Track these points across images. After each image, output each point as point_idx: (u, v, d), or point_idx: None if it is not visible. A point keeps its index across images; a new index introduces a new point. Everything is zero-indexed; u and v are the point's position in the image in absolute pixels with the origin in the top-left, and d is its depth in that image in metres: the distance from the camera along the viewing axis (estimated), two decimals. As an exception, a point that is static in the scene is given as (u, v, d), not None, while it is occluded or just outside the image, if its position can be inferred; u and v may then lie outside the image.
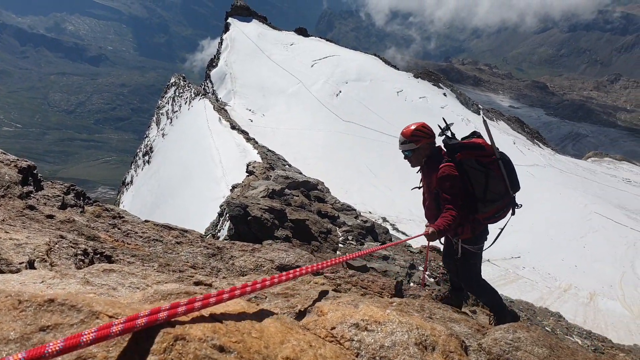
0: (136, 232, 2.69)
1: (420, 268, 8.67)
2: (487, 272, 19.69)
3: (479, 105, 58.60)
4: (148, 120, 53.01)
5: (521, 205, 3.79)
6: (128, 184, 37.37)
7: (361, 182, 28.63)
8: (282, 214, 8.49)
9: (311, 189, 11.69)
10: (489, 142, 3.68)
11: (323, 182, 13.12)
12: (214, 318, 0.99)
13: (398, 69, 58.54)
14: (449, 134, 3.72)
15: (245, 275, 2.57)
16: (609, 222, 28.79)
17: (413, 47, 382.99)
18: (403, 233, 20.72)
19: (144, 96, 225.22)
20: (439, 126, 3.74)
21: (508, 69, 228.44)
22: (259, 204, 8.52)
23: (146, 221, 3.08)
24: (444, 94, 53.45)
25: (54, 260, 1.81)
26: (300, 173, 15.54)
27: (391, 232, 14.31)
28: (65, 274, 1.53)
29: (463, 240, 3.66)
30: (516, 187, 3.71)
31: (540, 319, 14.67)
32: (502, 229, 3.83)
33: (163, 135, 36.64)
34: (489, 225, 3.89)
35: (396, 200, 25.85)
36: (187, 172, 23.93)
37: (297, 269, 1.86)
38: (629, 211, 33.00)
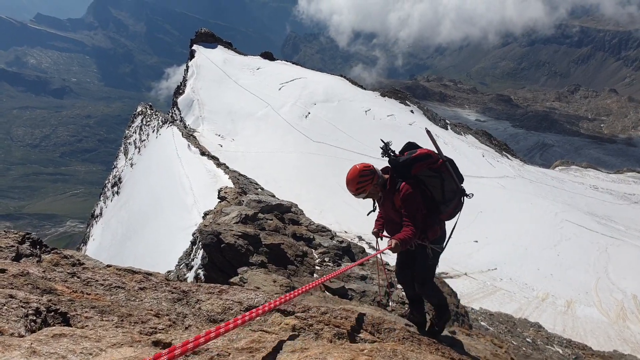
0: (97, 280, 2.51)
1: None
2: (465, 286, 19.77)
3: (447, 121, 59.94)
4: (115, 151, 51.99)
5: (472, 194, 4.01)
6: (97, 216, 36.27)
7: (335, 201, 28.60)
8: (256, 239, 8.31)
9: (285, 212, 11.53)
10: (432, 149, 3.93)
11: (297, 204, 12.97)
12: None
13: (365, 89, 59.48)
14: (391, 152, 3.93)
15: (213, 319, 2.42)
16: (580, 229, 29.53)
17: (378, 67, 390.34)
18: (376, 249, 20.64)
19: (111, 126, 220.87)
20: (381, 148, 3.90)
21: (472, 84, 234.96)
22: (232, 230, 8.33)
23: (108, 266, 2.90)
24: (411, 111, 54.49)
25: (0, 325, 1.64)
26: (273, 196, 15.36)
27: (368, 250, 14.21)
28: (9, 345, 1.36)
29: (432, 242, 3.85)
30: (461, 179, 3.98)
31: (520, 330, 14.74)
32: (454, 226, 4.02)
33: (131, 165, 35.89)
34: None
35: (371, 217, 25.85)
36: (158, 201, 23.40)
37: (254, 310, 1.75)
38: (598, 217, 34.00)
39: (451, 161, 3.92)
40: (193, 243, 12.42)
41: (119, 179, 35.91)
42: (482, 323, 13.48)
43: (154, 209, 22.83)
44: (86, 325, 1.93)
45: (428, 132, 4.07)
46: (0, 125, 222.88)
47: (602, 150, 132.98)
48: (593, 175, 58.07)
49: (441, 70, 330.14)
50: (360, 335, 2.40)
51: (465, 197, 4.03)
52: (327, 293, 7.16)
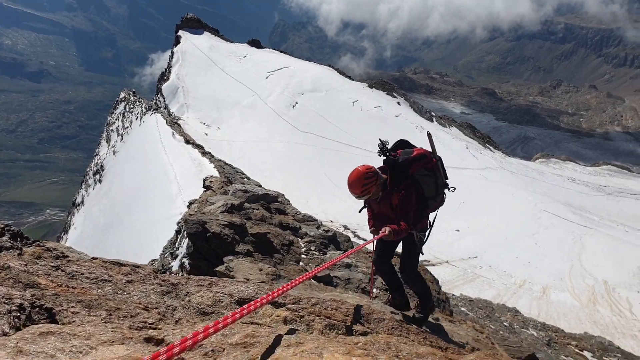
0: (82, 274, 2.44)
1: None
2: (447, 273, 20.19)
3: (432, 113, 60.33)
4: (97, 138, 51.11)
5: (455, 188, 4.20)
6: (79, 204, 35.75)
7: (321, 191, 28.72)
8: (242, 228, 8.30)
9: (271, 202, 11.53)
10: (424, 147, 4.16)
11: (283, 194, 13.01)
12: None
13: (352, 80, 59.42)
14: (387, 151, 4.03)
15: (203, 312, 2.41)
16: (557, 219, 30.26)
17: (366, 57, 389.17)
18: (364, 240, 20.89)
19: (92, 113, 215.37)
20: (378, 146, 3.97)
21: (458, 77, 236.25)
22: (218, 219, 8.31)
23: (94, 258, 2.84)
24: (398, 103, 54.69)
25: (-17, 323, 1.61)
26: (260, 186, 15.35)
27: (353, 239, 14.38)
28: None
29: (419, 231, 4.04)
30: (446, 176, 4.20)
31: (498, 315, 15.15)
32: (434, 217, 4.28)
33: (114, 152, 35.39)
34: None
35: (356, 208, 26.01)
36: (141, 190, 23.18)
37: (252, 303, 1.77)
38: (574, 208, 34.82)
39: (441, 160, 4.13)
40: (178, 232, 12.38)
41: (101, 166, 35.41)
42: (463, 309, 13.80)
43: (138, 197, 22.63)
44: (73, 321, 1.92)
45: (429, 135, 4.26)
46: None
47: (581, 144, 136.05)
48: (571, 168, 59.36)
49: (428, 63, 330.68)
50: (350, 325, 2.44)
51: (447, 191, 4.24)
52: (313, 280, 7.26)
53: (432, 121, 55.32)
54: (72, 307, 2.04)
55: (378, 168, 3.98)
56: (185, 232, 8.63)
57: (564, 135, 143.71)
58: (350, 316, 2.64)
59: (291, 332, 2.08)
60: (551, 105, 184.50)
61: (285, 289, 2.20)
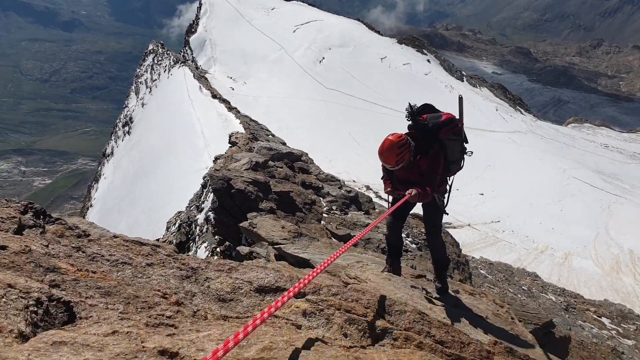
0: (103, 255, 2.38)
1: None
2: (468, 236, 20.24)
3: (463, 72, 58.51)
4: (127, 89, 51.68)
5: (472, 152, 4.20)
6: (109, 155, 36.76)
7: (345, 151, 28.70)
8: (266, 186, 8.48)
9: (295, 160, 11.66)
10: (454, 111, 4.11)
11: (307, 153, 13.13)
12: None
13: (382, 35, 57.74)
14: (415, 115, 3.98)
15: (222, 298, 2.41)
16: (586, 186, 29.63)
17: (398, 11, 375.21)
18: (386, 201, 20.99)
19: (122, 64, 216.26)
20: (406, 110, 3.88)
21: (492, 35, 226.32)
22: (243, 176, 8.49)
23: (115, 236, 2.88)
24: (428, 61, 53.12)
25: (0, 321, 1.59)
26: (284, 144, 15.46)
27: (374, 200, 14.51)
28: (4, 358, 1.38)
29: (440, 194, 4.12)
30: (466, 140, 4.19)
31: (517, 279, 15.25)
32: (452, 182, 4.32)
33: (143, 104, 35.89)
34: None
35: (380, 168, 26.02)
36: (169, 143, 23.65)
37: (280, 299, 1.79)
38: (605, 175, 33.93)
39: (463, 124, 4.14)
40: (204, 186, 12.70)
41: (130, 118, 36.05)
42: (482, 271, 13.94)
43: (166, 150, 23.12)
44: (90, 316, 1.92)
45: (460, 99, 4.22)
46: (10, 57, 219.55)
47: (618, 109, 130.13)
48: (605, 134, 57.17)
49: (462, 19, 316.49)
50: (371, 320, 2.40)
51: (466, 155, 4.25)
52: (334, 240, 7.42)
53: (463, 80, 53.75)
54: (90, 296, 2.04)
55: (405, 134, 3.94)
56: (211, 187, 8.86)
57: (601, 99, 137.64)
58: (370, 308, 2.60)
59: (309, 343, 2.04)
60: (589, 67, 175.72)
61: (308, 278, 2.18)
